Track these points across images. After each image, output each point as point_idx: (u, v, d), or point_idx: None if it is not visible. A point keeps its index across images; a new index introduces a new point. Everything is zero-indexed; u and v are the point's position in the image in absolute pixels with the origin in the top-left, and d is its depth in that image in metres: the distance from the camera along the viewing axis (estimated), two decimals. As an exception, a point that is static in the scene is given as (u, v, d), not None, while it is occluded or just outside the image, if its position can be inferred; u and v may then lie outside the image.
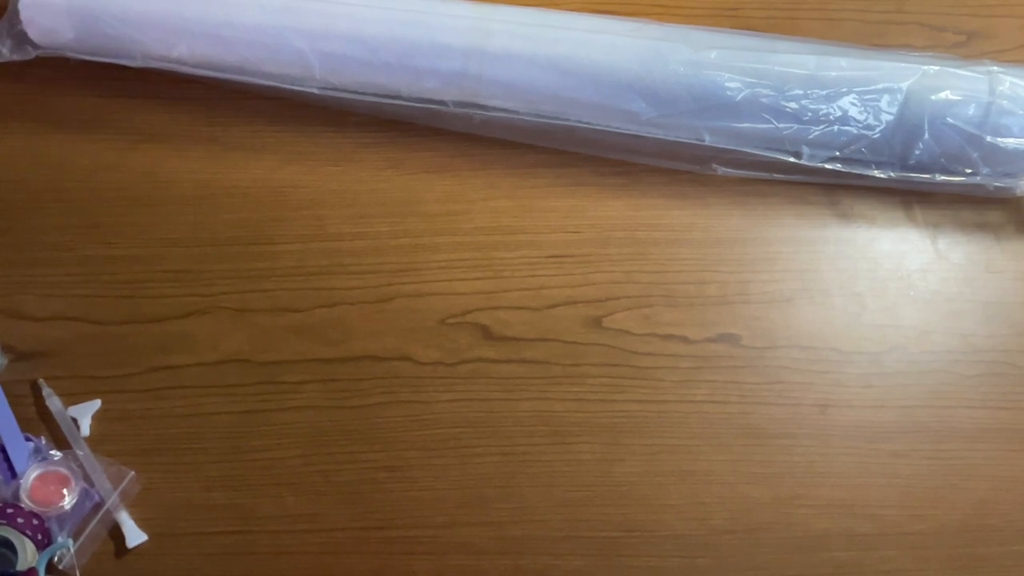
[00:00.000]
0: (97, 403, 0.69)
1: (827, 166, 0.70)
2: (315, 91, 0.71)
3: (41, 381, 0.69)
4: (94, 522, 0.67)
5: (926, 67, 0.69)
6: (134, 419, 0.69)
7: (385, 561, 0.68)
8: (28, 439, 0.68)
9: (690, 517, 0.69)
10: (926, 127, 0.68)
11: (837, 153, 0.70)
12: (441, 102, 0.71)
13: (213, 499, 0.69)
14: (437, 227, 0.72)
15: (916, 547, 0.69)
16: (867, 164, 0.70)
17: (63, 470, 0.67)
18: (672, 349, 0.71)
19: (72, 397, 0.69)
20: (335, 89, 0.71)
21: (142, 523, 0.68)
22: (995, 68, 0.69)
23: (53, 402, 0.69)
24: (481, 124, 0.72)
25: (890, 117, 0.68)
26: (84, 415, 0.69)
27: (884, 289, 0.72)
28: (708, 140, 0.70)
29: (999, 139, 0.68)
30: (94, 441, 0.69)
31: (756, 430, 0.70)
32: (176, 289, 0.71)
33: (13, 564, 0.64)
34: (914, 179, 0.70)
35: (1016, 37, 0.76)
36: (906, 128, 0.69)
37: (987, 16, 0.76)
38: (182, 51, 0.70)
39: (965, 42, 0.76)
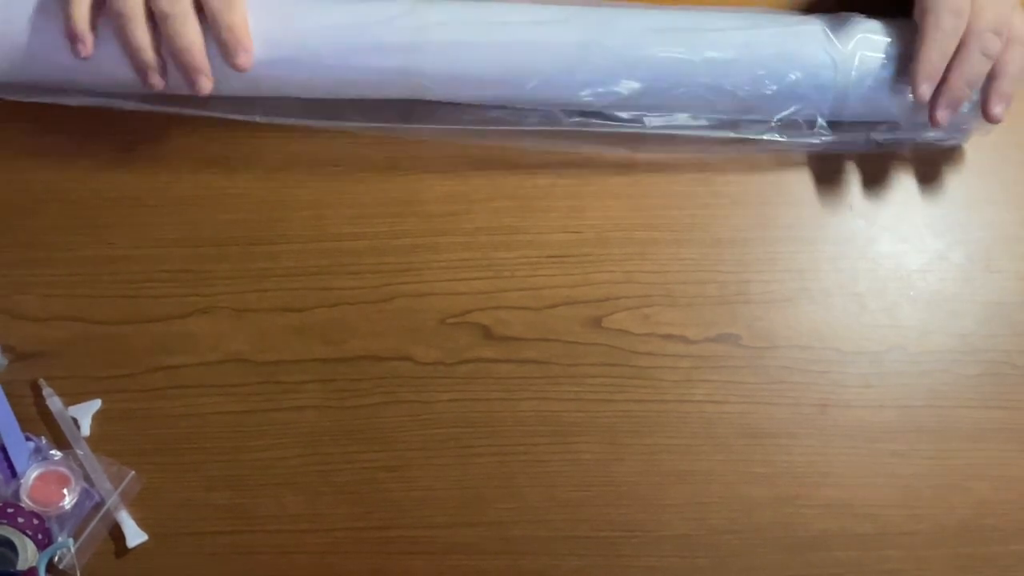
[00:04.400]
0: (97, 403, 0.69)
1: (765, 137, 0.70)
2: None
3: (41, 381, 0.69)
4: (94, 522, 0.67)
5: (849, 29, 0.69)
6: (134, 419, 0.69)
7: (385, 561, 0.68)
8: (28, 439, 0.68)
9: (690, 517, 0.69)
10: (852, 90, 0.68)
11: (773, 123, 0.70)
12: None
13: (213, 499, 0.69)
14: (437, 227, 0.72)
15: (916, 547, 0.69)
16: (805, 132, 0.70)
17: (63, 470, 0.67)
18: (672, 349, 0.71)
19: (72, 397, 0.69)
20: (277, 101, 0.70)
21: (142, 523, 0.68)
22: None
23: (53, 402, 0.69)
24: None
25: (819, 82, 0.68)
26: (84, 415, 0.69)
27: (884, 289, 0.72)
28: (646, 121, 0.70)
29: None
30: (94, 441, 0.69)
31: (756, 430, 0.70)
32: (176, 289, 0.71)
33: (13, 564, 0.64)
34: (855, 143, 0.71)
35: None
36: (835, 94, 0.69)
37: None
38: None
39: None
